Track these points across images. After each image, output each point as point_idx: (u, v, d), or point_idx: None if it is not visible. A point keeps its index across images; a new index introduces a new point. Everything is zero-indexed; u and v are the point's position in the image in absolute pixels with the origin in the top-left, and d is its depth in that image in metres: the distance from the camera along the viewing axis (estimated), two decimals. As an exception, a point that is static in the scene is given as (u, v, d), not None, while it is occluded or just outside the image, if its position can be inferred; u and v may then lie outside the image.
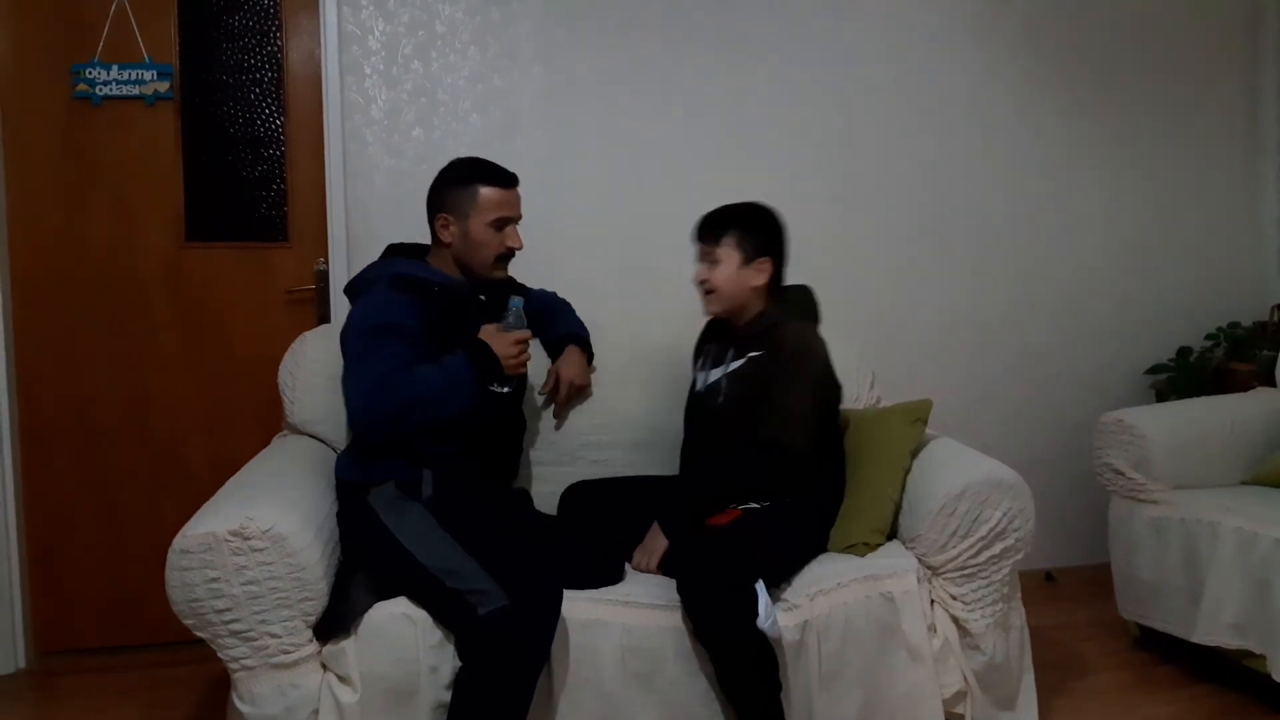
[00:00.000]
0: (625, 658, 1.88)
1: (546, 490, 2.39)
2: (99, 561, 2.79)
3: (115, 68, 2.69)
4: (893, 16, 3.18)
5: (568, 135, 2.98)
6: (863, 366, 2.61)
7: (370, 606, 1.84)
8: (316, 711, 1.79)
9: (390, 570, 1.90)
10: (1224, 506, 2.46)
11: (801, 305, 2.28)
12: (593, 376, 2.48)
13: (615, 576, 2.01)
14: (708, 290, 2.21)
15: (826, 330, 2.24)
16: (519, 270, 2.42)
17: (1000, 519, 2.07)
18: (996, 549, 2.07)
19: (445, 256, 2.15)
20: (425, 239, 2.20)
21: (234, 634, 1.75)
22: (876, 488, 2.19)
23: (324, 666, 1.83)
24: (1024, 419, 3.37)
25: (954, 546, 2.07)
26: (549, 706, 1.85)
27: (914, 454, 2.24)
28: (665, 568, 2.03)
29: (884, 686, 2.01)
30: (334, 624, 1.83)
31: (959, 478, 2.09)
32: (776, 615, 1.88)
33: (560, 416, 2.46)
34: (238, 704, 1.79)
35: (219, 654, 1.78)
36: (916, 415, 2.27)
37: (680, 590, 1.89)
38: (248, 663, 1.77)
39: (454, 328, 2.07)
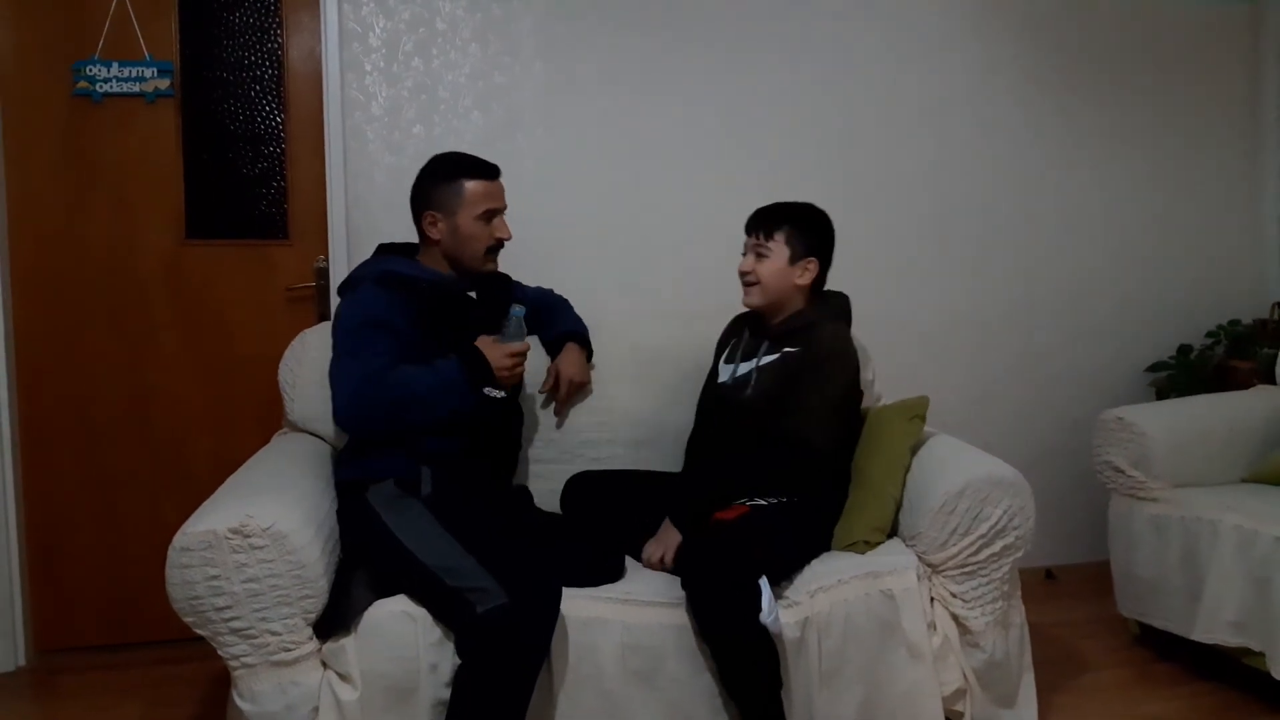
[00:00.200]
0: (625, 655, 1.88)
1: (546, 488, 2.39)
2: (99, 559, 2.78)
3: (116, 65, 2.69)
4: (893, 16, 3.18)
5: (569, 132, 2.98)
6: (863, 366, 2.60)
7: (370, 604, 1.84)
8: (317, 709, 1.80)
9: (390, 568, 1.90)
10: (1224, 504, 2.46)
11: (838, 312, 2.29)
12: (592, 374, 2.48)
13: (615, 574, 2.01)
14: (751, 282, 2.22)
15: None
16: (519, 267, 2.42)
17: (1000, 517, 2.07)
18: (997, 547, 2.08)
19: (434, 254, 2.16)
20: (424, 237, 2.20)
21: (234, 631, 1.75)
22: (877, 485, 2.19)
23: (324, 664, 1.83)
24: (1024, 418, 3.37)
25: (954, 544, 2.07)
26: (549, 704, 1.85)
27: (914, 451, 2.24)
28: (676, 563, 2.04)
29: (884, 684, 2.02)
30: (334, 621, 1.83)
31: (959, 475, 2.10)
32: (779, 611, 1.89)
33: (560, 414, 2.46)
34: (238, 701, 1.79)
35: (219, 652, 1.78)
36: (914, 412, 2.27)
37: (685, 586, 1.89)
38: (248, 660, 1.77)
39: (444, 324, 2.08)
